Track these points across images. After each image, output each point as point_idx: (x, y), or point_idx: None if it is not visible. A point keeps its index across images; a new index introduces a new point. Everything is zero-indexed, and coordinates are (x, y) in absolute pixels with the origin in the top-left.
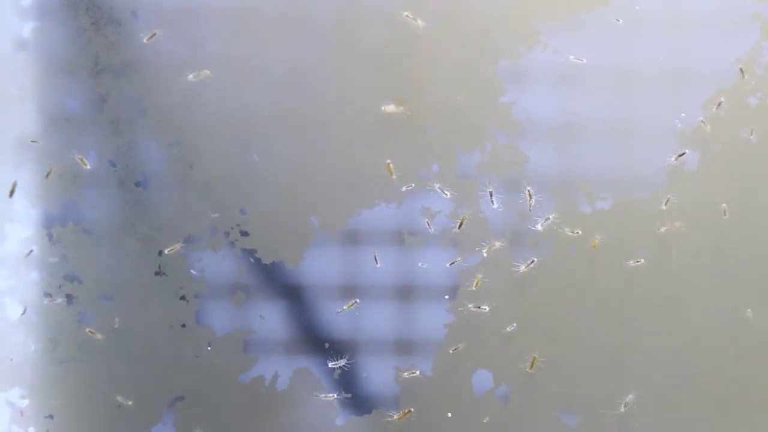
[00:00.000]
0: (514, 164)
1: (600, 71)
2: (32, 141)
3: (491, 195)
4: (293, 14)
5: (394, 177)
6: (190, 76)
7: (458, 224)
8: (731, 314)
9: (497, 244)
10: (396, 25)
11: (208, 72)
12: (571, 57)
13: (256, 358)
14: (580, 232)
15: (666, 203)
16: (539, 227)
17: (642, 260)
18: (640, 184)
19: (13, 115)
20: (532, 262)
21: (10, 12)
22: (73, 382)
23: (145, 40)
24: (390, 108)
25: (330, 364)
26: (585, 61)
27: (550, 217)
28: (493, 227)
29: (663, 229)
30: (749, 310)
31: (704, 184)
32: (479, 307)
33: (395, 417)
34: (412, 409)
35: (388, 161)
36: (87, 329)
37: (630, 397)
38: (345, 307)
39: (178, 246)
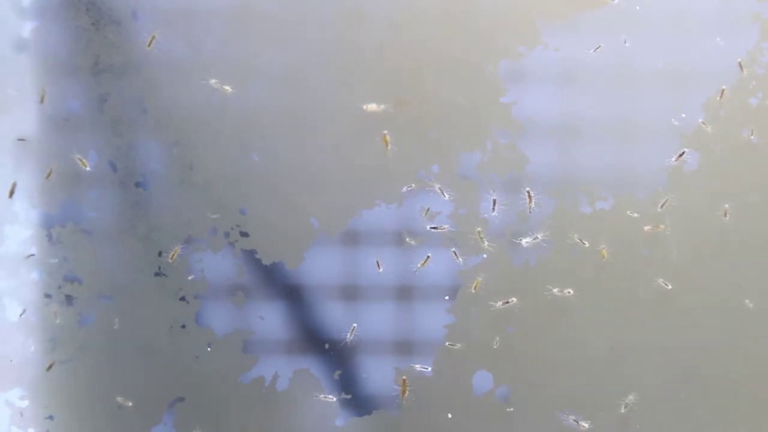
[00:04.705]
0: (515, 164)
1: (600, 71)
2: (19, 139)
3: (494, 203)
4: (293, 14)
5: (389, 148)
6: (213, 81)
7: (421, 263)
8: (731, 314)
9: (488, 247)
10: (396, 25)
11: (229, 89)
12: (622, 36)
13: (256, 358)
14: (587, 244)
15: (663, 205)
16: (523, 242)
17: (670, 286)
18: (640, 184)
19: (13, 115)
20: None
21: (10, 12)
22: (73, 382)
23: (147, 47)
24: (371, 107)
25: (352, 329)
26: (627, 43)
27: (539, 236)
28: (493, 228)
29: (662, 227)
30: (748, 302)
31: (704, 184)
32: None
33: (400, 396)
34: (405, 377)
35: (385, 132)
36: (53, 309)
37: (630, 398)
38: (419, 265)
39: (178, 249)
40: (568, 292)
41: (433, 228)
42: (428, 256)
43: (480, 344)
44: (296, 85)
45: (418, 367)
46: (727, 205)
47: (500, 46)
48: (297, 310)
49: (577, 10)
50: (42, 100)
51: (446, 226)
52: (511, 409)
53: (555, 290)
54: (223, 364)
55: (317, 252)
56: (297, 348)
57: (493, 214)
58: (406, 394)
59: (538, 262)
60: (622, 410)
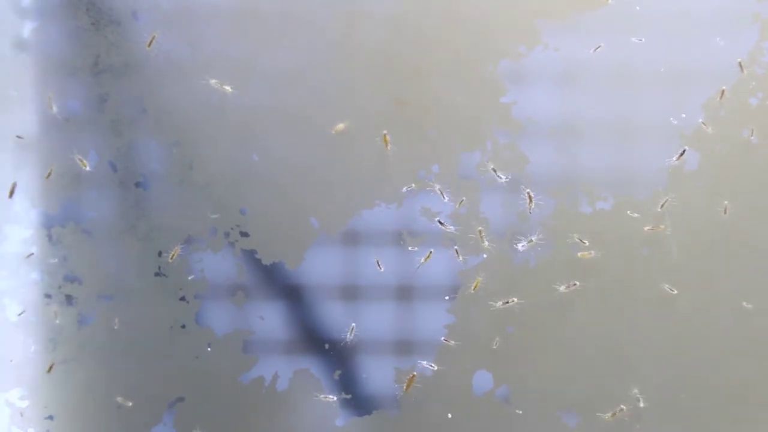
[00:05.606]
0: (515, 164)
1: (600, 71)
2: (17, 136)
3: (495, 171)
4: (293, 14)
5: (389, 148)
6: (213, 81)
7: (423, 259)
8: (731, 314)
9: (488, 247)
10: (396, 26)
11: (229, 89)
12: (634, 39)
13: (256, 358)
14: (587, 243)
15: (663, 205)
16: (519, 247)
17: (675, 291)
18: (640, 184)
19: (13, 115)
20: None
21: (10, 12)
22: (73, 382)
23: (147, 47)
24: (339, 127)
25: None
26: (643, 40)
27: (533, 239)
28: (493, 228)
29: (662, 227)
30: (746, 303)
31: (704, 184)
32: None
33: (404, 389)
34: (415, 374)
35: (385, 132)
36: (53, 309)
37: (631, 396)
38: (422, 260)
39: (178, 249)
40: (575, 284)
41: (440, 222)
42: (431, 252)
43: (480, 344)
44: (296, 85)
45: (425, 363)
46: (726, 202)
47: (500, 46)
48: (297, 310)
49: (577, 10)
50: (50, 106)
51: (451, 227)
52: (520, 411)
53: (562, 288)
54: (223, 364)
55: (317, 252)
56: (297, 348)
57: (501, 180)
58: (409, 390)
59: (538, 262)
60: (623, 410)
